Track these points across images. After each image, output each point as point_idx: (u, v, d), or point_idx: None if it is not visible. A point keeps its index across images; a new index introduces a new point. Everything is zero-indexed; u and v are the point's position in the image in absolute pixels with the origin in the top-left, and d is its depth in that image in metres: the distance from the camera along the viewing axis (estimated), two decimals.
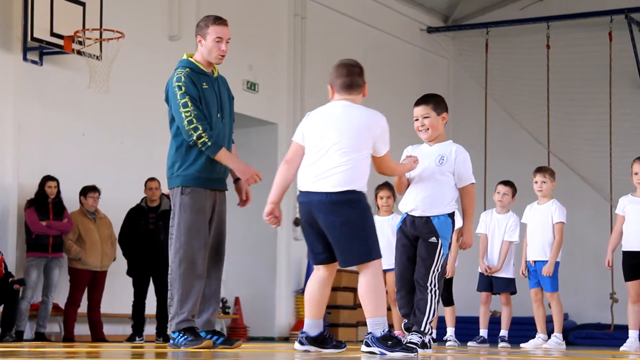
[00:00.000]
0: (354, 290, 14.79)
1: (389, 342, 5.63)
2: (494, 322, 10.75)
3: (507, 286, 10.21)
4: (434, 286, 6.42)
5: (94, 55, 11.38)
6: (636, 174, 8.96)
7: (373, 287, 5.74)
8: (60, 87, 11.67)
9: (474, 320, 10.51)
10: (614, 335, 13.13)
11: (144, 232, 11.39)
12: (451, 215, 6.51)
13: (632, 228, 8.97)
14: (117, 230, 11.56)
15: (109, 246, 11.43)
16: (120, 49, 11.37)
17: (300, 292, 14.37)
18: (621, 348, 9.08)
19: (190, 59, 7.05)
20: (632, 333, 9.05)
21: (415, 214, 6.52)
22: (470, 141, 17.52)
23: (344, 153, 5.77)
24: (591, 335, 14.73)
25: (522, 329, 13.53)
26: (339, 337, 13.14)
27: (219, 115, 6.92)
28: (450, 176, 6.51)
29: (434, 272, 6.42)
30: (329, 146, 5.81)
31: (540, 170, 9.74)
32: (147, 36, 12.69)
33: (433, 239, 6.45)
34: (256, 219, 13.82)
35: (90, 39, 11.33)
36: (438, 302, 6.50)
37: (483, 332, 10.22)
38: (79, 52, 11.25)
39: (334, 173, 5.73)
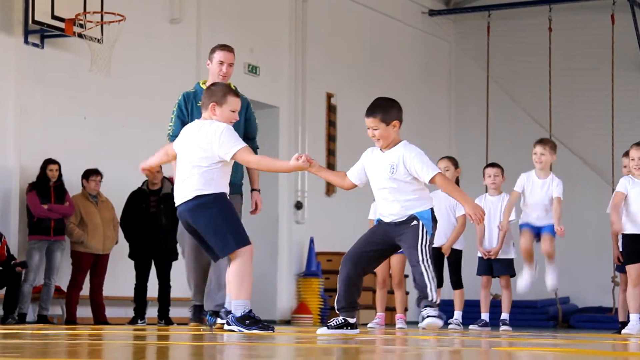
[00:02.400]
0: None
1: (247, 322, 6.44)
2: (495, 305, 10.77)
3: (507, 269, 10.22)
4: (426, 261, 6.50)
5: (95, 38, 11.36)
6: (632, 159, 8.95)
7: (237, 273, 6.44)
8: (61, 70, 11.67)
9: (475, 304, 10.53)
10: (615, 319, 13.17)
11: (145, 215, 11.41)
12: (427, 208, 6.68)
13: (633, 211, 8.96)
14: (119, 213, 11.57)
15: (111, 229, 11.45)
16: (122, 32, 11.35)
17: (302, 275, 14.40)
18: (623, 331, 9.09)
19: (199, 82, 8.21)
20: (633, 317, 9.06)
21: (389, 220, 6.69)
22: (471, 124, 17.59)
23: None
24: (593, 319, 14.77)
25: (523, 312, 13.58)
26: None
27: None
28: (408, 180, 6.62)
29: (422, 248, 6.52)
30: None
31: (541, 141, 9.61)
32: (148, 19, 12.67)
33: (414, 222, 6.58)
34: None
35: (91, 22, 11.31)
36: (434, 277, 6.53)
37: (484, 316, 10.24)
38: (80, 35, 11.24)
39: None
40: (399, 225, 6.63)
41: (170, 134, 8.08)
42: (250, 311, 6.50)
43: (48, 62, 11.52)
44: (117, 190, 11.66)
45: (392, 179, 6.61)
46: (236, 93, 6.74)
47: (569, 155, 16.04)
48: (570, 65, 16.35)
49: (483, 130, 16.77)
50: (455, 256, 10.22)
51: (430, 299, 6.51)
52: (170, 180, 11.85)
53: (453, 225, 10.10)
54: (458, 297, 10.26)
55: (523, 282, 9.62)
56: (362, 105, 18.77)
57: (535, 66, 16.73)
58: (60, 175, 11.06)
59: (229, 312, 6.73)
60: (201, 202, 6.50)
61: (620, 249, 9.31)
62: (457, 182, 10.08)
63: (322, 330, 6.83)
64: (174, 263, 11.58)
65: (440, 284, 10.20)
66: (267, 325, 6.58)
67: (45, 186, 10.96)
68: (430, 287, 6.49)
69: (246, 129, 8.01)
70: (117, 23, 11.30)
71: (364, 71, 15.98)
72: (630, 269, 9.03)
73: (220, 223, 6.46)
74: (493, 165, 10.36)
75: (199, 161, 6.54)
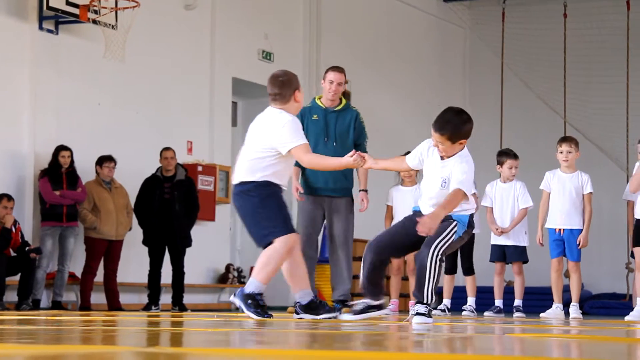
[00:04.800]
0: None
1: (249, 301, 6.64)
2: (509, 291, 10.76)
3: (520, 255, 10.20)
4: (435, 260, 6.43)
5: (110, 25, 11.37)
6: None
7: (266, 256, 6.69)
8: (75, 56, 11.68)
9: (489, 290, 10.52)
10: (630, 305, 13.13)
11: (159, 201, 11.42)
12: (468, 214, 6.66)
13: None
14: (133, 199, 11.59)
15: (125, 215, 11.47)
16: (136, 18, 11.35)
17: (316, 262, 14.37)
18: (626, 317, 9.06)
19: (314, 98, 9.43)
20: (639, 301, 9.04)
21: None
22: (486, 111, 17.52)
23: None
24: (606, 305, 14.73)
25: (537, 299, 13.56)
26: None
27: (325, 140, 9.05)
28: None
29: (439, 244, 6.45)
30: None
31: (565, 140, 9.66)
32: (162, 5, 12.67)
33: (449, 220, 6.53)
34: None
35: (105, 7, 11.32)
36: (439, 274, 6.49)
37: (498, 302, 10.23)
38: (94, 21, 11.24)
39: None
40: None
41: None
42: (258, 294, 6.67)
43: (62, 49, 11.54)
44: (131, 177, 11.69)
45: (441, 191, 6.53)
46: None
47: (584, 141, 15.95)
48: (585, 52, 16.26)
49: (498, 117, 16.71)
50: (468, 240, 10.16)
51: (425, 300, 6.48)
52: (184, 167, 11.88)
53: None
54: (470, 283, 10.25)
55: (548, 314, 9.66)
56: (377, 92, 18.86)
57: (550, 53, 16.65)
58: (72, 161, 11.09)
59: (297, 303, 6.97)
60: (243, 189, 6.69)
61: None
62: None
63: (347, 317, 6.83)
64: (187, 250, 11.60)
65: (454, 270, 10.20)
66: (265, 313, 6.70)
67: (57, 173, 10.99)
68: (427, 287, 6.46)
69: (357, 136, 9.14)
70: (132, 9, 11.30)
71: (379, 58, 15.94)
72: (638, 252, 9.01)
73: (258, 212, 6.63)
74: (508, 154, 10.28)
75: (254, 147, 6.70)
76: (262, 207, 6.62)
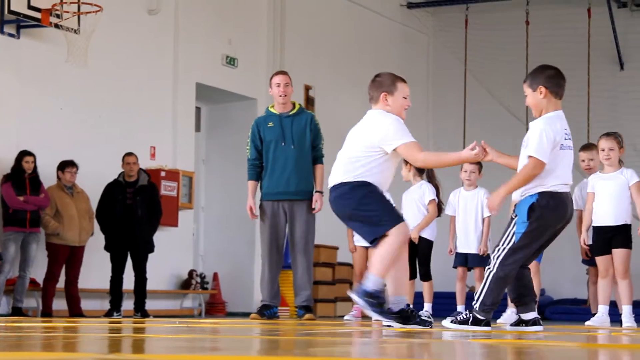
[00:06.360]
0: (332, 266, 14.84)
1: (369, 299, 6.30)
2: (471, 297, 10.79)
3: (482, 261, 10.25)
4: (496, 265, 6.31)
5: (72, 29, 11.30)
6: (602, 150, 8.98)
7: (382, 253, 6.33)
8: (37, 60, 11.60)
9: (451, 296, 10.56)
10: (590, 311, 13.24)
11: (121, 207, 11.37)
12: (533, 196, 6.29)
13: (601, 204, 9.01)
14: (94, 205, 11.53)
15: (87, 221, 11.40)
16: (99, 23, 11.29)
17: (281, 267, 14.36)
18: (587, 323, 9.14)
19: (268, 107, 9.52)
20: (601, 308, 9.11)
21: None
22: (449, 117, 17.62)
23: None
24: (568, 311, 14.84)
25: (500, 304, 13.58)
26: (317, 313, 13.22)
27: (283, 144, 9.20)
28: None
29: (499, 248, 6.36)
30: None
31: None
32: (125, 10, 12.62)
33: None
34: (235, 196, 13.88)
35: (68, 12, 11.25)
36: (499, 283, 6.31)
37: (460, 308, 10.26)
38: (56, 26, 11.17)
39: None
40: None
41: (249, 157, 9.38)
42: (380, 291, 6.38)
43: (24, 53, 11.45)
44: (93, 182, 11.62)
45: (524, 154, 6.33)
46: (403, 79, 6.77)
47: None
48: (547, 59, 16.19)
49: (460, 122, 16.82)
50: (426, 246, 10.19)
51: (475, 306, 6.37)
52: (147, 172, 11.84)
53: (423, 216, 10.12)
54: (427, 289, 10.27)
55: (504, 320, 9.53)
56: (341, 97, 18.86)
57: (512, 59, 16.78)
58: (35, 167, 11.01)
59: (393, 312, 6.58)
60: (339, 193, 6.45)
61: (589, 242, 9.36)
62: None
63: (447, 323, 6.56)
64: (150, 255, 11.55)
65: (413, 275, 10.23)
66: (385, 312, 6.40)
67: (21, 178, 10.90)
68: (478, 296, 6.38)
69: (313, 138, 9.28)
70: (94, 14, 11.24)
71: (342, 63, 15.98)
72: (599, 260, 9.09)
73: (359, 212, 6.36)
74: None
75: (355, 146, 6.49)
76: (363, 205, 6.34)
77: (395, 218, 6.38)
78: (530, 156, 6.22)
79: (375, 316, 6.39)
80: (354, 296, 6.45)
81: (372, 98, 6.65)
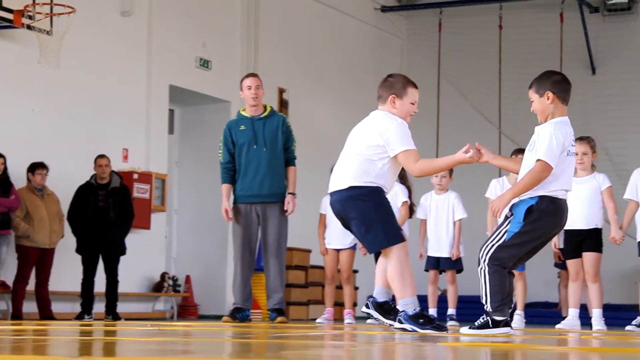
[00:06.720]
0: (305, 268, 14.83)
1: (421, 320, 6.26)
2: (443, 300, 10.84)
3: (453, 264, 10.30)
4: (485, 261, 6.20)
5: (45, 30, 11.23)
6: (576, 154, 9.04)
7: (396, 271, 6.29)
8: (9, 62, 11.52)
9: (422, 300, 10.57)
10: (561, 314, 13.32)
11: (93, 209, 11.31)
12: (533, 199, 6.20)
13: (573, 207, 9.06)
14: (66, 207, 11.46)
15: (57, 223, 11.34)
16: (71, 24, 11.23)
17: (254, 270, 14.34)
18: (557, 326, 9.19)
19: (239, 111, 9.55)
20: (572, 311, 9.17)
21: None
22: (422, 120, 17.61)
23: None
24: (539, 314, 14.91)
25: (472, 307, 13.66)
26: (290, 316, 13.20)
27: (255, 146, 9.23)
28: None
29: (488, 243, 6.28)
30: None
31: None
32: (98, 11, 12.56)
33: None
34: (208, 198, 13.85)
35: (40, 13, 11.18)
36: (497, 281, 6.18)
37: (432, 311, 10.30)
38: (29, 27, 11.10)
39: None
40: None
41: (221, 160, 9.41)
42: (422, 310, 6.33)
43: None
44: (65, 184, 11.56)
45: (530, 157, 6.29)
46: (414, 84, 6.67)
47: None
48: (519, 63, 16.49)
49: (434, 126, 16.87)
50: None
51: (486, 309, 6.24)
52: (119, 174, 11.79)
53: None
54: None
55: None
56: (315, 100, 18.86)
57: (485, 63, 16.87)
58: (5, 168, 10.93)
59: (371, 298, 6.73)
60: (354, 194, 6.30)
61: (561, 246, 9.42)
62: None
63: (465, 330, 6.36)
64: (122, 258, 11.50)
65: None
66: (440, 325, 6.40)
67: None
68: (484, 296, 6.24)
69: (285, 140, 9.33)
70: (67, 15, 11.18)
71: (316, 66, 15.99)
72: (570, 264, 9.15)
73: (372, 218, 6.27)
74: None
75: (362, 148, 6.34)
76: (377, 213, 6.26)
77: (401, 235, 6.39)
78: (538, 160, 6.15)
79: (435, 333, 6.21)
80: (404, 326, 6.28)
81: (380, 97, 6.57)
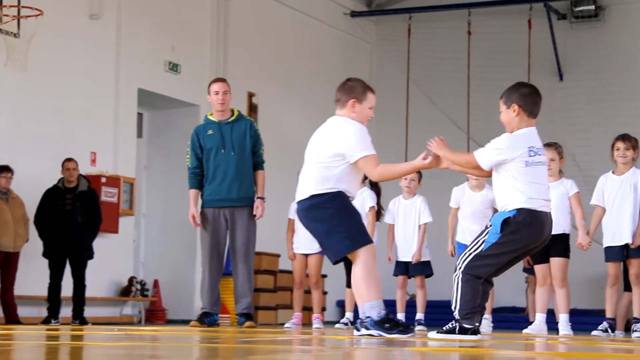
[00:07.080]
0: (274, 273, 14.81)
1: (387, 325, 6.21)
2: (411, 305, 10.86)
3: (422, 269, 10.33)
4: (461, 270, 6.14)
5: (12, 33, 11.17)
6: (552, 160, 9.11)
7: (361, 275, 6.24)
8: None
9: (391, 304, 10.60)
10: (528, 319, 13.38)
11: (60, 213, 11.24)
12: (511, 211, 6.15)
13: None
14: (32, 210, 11.37)
15: (22, 227, 11.24)
16: (39, 27, 11.17)
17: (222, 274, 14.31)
18: (524, 331, 9.24)
19: (207, 115, 9.53)
20: (539, 316, 9.22)
21: None
22: (392, 126, 17.71)
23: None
24: (506, 319, 14.98)
25: (441, 313, 13.71)
26: (258, 320, 13.18)
27: (223, 151, 9.22)
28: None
29: (466, 253, 6.22)
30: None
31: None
32: (66, 14, 12.49)
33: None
34: (177, 203, 13.80)
35: (7, 15, 11.11)
36: (470, 290, 6.12)
37: (400, 316, 10.33)
38: None
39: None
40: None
41: (189, 165, 9.38)
42: (388, 313, 6.28)
43: None
44: (32, 187, 11.48)
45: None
46: (372, 90, 6.67)
47: None
48: (488, 69, 16.58)
49: (403, 132, 16.92)
50: None
51: (455, 315, 6.20)
52: (86, 178, 11.72)
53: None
54: (350, 297, 10.30)
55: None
56: (284, 105, 18.86)
57: (454, 69, 16.94)
58: None
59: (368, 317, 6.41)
60: (315, 203, 6.30)
61: None
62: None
63: (433, 335, 6.30)
64: (89, 262, 11.44)
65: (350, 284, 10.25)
66: (408, 327, 6.37)
67: None
68: (453, 304, 6.18)
69: (253, 144, 9.34)
70: (35, 17, 11.12)
71: (286, 71, 15.99)
72: (538, 269, 9.21)
73: (334, 223, 6.24)
74: None
75: (321, 156, 6.35)
76: (340, 218, 6.22)
77: (367, 238, 6.33)
78: (474, 152, 6.20)
79: (402, 337, 6.20)
80: (371, 332, 6.23)
81: (339, 101, 6.55)
